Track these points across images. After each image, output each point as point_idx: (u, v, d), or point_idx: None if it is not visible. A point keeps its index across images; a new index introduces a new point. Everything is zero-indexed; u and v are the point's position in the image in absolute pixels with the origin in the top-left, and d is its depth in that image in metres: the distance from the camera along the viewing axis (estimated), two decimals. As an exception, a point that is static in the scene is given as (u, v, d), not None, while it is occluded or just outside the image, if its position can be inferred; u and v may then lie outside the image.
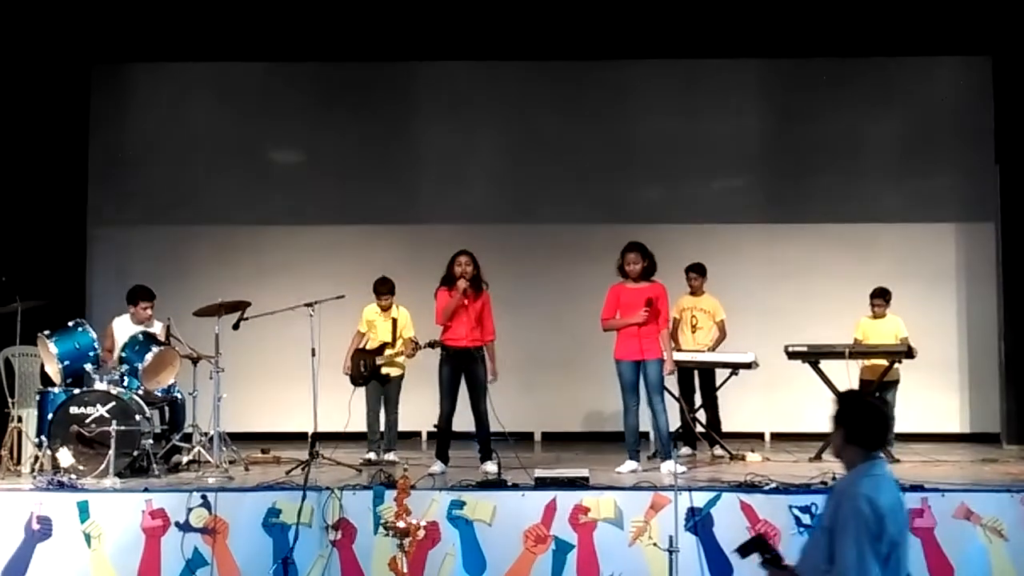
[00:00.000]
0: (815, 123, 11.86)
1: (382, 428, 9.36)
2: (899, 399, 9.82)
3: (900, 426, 9.82)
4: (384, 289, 9.40)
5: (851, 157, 11.79)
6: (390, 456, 9.15)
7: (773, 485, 7.21)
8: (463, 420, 8.64)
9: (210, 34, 11.31)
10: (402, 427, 9.56)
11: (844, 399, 4.52)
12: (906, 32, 11.15)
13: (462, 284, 8.46)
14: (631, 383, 8.39)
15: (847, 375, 9.45)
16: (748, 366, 9.61)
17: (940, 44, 11.41)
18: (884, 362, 9.60)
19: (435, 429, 8.78)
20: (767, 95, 12.06)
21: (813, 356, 9.58)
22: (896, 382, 9.79)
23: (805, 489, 7.12)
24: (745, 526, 6.89)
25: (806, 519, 6.88)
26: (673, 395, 9.49)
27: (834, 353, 9.51)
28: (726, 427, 10.00)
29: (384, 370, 9.34)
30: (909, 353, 9.45)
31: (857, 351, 9.63)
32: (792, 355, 9.62)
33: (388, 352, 9.30)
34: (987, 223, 11.61)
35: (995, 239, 11.52)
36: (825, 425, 9.69)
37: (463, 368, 8.52)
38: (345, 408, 9.00)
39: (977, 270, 11.71)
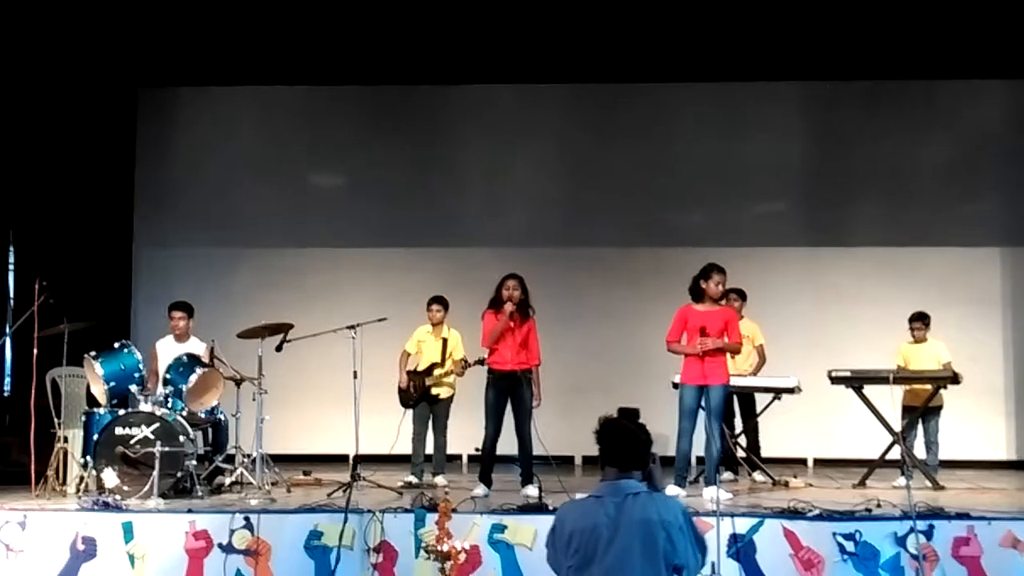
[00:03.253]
0: (857, 146, 11.81)
1: (427, 451, 9.37)
2: (944, 425, 9.72)
3: (945, 452, 9.77)
4: (435, 302, 9.43)
5: (894, 180, 11.73)
6: (439, 480, 9.16)
7: (816, 512, 7.13)
8: (504, 443, 8.65)
9: (254, 58, 11.44)
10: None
11: (600, 424, 4.66)
12: (950, 55, 11.08)
13: (508, 307, 8.50)
14: (691, 408, 8.29)
15: (891, 400, 9.38)
16: (791, 391, 9.56)
17: (985, 67, 11.33)
18: (928, 387, 9.51)
19: (476, 452, 8.79)
20: (808, 118, 12.02)
21: (857, 381, 9.50)
22: (940, 408, 9.69)
23: (849, 516, 7.04)
24: (788, 553, 6.83)
25: (850, 546, 6.82)
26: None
27: (878, 378, 9.41)
28: (769, 452, 9.95)
29: (434, 391, 9.35)
30: (955, 379, 9.33)
31: (901, 376, 9.53)
32: (835, 380, 9.54)
33: (437, 372, 9.32)
34: (1033, 247, 11.53)
35: (1041, 263, 11.42)
36: (869, 451, 9.68)
37: (509, 391, 8.54)
38: (386, 430, 9.03)
39: (1023, 294, 11.59)
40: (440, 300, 9.49)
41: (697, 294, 8.45)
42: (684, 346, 8.38)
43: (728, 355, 9.89)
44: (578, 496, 4.95)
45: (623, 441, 4.56)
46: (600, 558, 4.36)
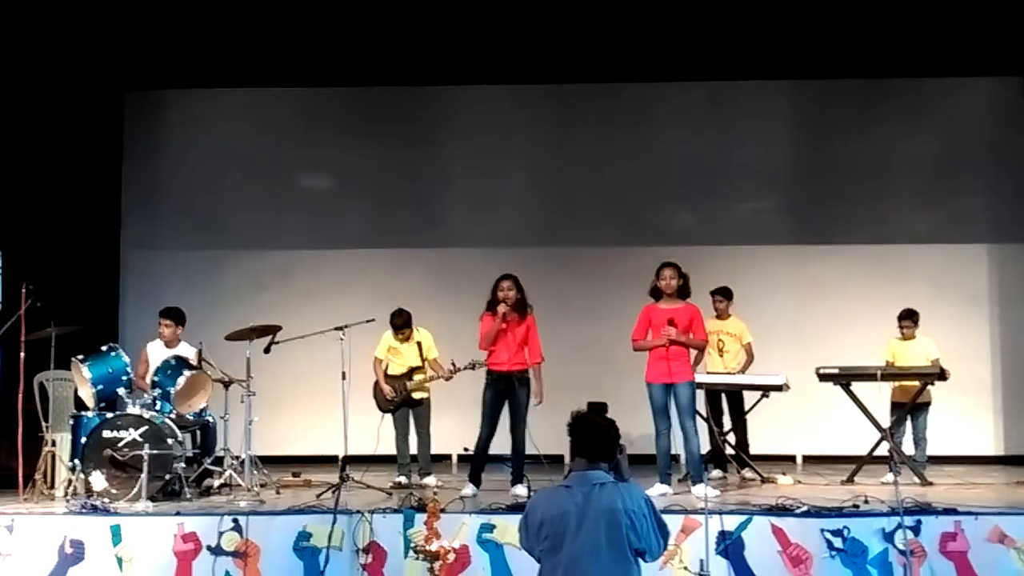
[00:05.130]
0: (845, 144, 11.81)
1: (412, 451, 9.36)
2: (932, 421, 9.73)
3: (933, 448, 9.79)
4: (400, 322, 9.31)
5: (882, 178, 11.73)
6: (429, 480, 9.14)
7: (805, 508, 7.15)
8: (493, 443, 8.64)
9: (242, 60, 11.42)
10: (432, 450, 9.52)
11: (572, 418, 5.11)
12: (937, 52, 11.09)
13: (502, 309, 8.49)
14: (661, 406, 8.35)
15: (879, 397, 9.40)
16: (779, 388, 9.57)
17: (972, 64, 11.34)
18: (916, 384, 9.53)
19: (465, 452, 8.78)
20: (797, 116, 12.02)
21: (845, 378, 9.52)
22: (928, 404, 9.70)
23: (837, 512, 7.08)
24: (776, 549, 6.85)
25: (838, 542, 6.84)
26: (703, 417, 9.46)
27: (866, 375, 9.45)
28: (757, 450, 9.96)
29: (415, 394, 9.36)
30: (942, 375, 9.36)
31: (889, 373, 9.54)
32: (823, 377, 9.56)
33: (418, 377, 9.31)
34: (1020, 244, 11.55)
35: (1029, 260, 11.45)
36: (857, 448, 9.69)
37: (506, 392, 8.52)
38: (375, 430, 9.03)
39: (1010, 291, 11.62)
40: (400, 316, 9.33)
41: (656, 293, 8.52)
42: (649, 340, 8.42)
43: (718, 354, 9.98)
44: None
45: (592, 434, 4.97)
46: (569, 543, 4.68)
